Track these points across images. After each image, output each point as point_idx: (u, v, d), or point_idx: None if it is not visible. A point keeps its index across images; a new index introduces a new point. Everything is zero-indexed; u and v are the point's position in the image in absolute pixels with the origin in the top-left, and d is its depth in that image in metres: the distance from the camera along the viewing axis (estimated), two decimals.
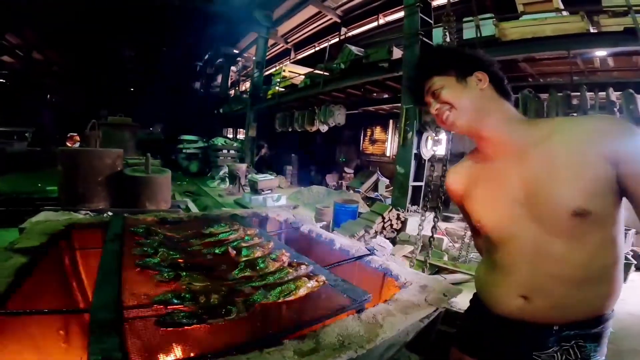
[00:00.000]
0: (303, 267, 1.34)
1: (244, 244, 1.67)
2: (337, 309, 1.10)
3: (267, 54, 15.81)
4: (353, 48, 8.81)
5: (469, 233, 5.11)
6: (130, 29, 15.74)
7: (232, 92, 21.27)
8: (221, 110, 18.92)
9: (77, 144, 7.08)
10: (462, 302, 1.46)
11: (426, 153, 6.97)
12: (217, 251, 1.60)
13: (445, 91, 1.00)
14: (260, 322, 1.01)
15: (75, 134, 7.33)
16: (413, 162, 6.88)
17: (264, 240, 1.75)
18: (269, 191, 9.70)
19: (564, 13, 5.19)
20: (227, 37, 17.20)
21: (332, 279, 1.31)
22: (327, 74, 9.57)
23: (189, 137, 15.58)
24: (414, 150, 6.79)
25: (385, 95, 10.28)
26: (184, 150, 15.07)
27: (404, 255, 5.25)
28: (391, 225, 6.58)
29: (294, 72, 12.58)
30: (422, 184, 7.10)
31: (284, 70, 12.80)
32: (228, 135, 20.55)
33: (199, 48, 19.94)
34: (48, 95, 21.08)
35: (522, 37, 5.19)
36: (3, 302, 1.06)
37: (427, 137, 6.95)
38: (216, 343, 0.87)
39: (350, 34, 13.82)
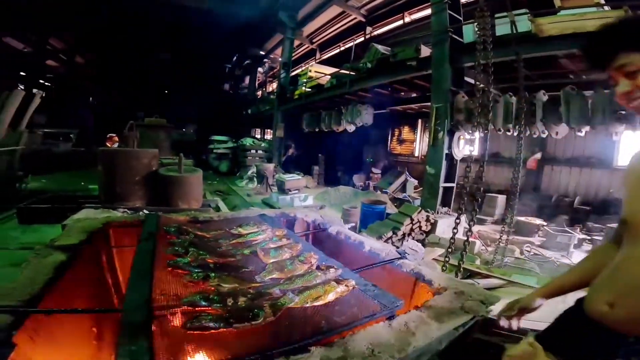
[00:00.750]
0: (332, 270, 1.30)
1: (272, 245, 1.66)
2: (367, 316, 1.05)
3: (293, 54, 15.92)
4: (379, 47, 8.64)
5: (504, 236, 4.86)
6: (163, 33, 16.42)
7: (259, 93, 21.63)
8: (249, 111, 19.30)
9: (116, 145, 7.46)
10: (498, 308, 1.37)
11: (458, 153, 6.71)
12: (245, 252, 1.60)
13: None
14: (288, 327, 0.98)
15: (114, 135, 7.74)
16: (444, 163, 6.63)
17: (292, 242, 1.73)
18: (296, 191, 9.74)
19: (606, 8, 4.87)
20: (253, 39, 17.53)
21: (362, 283, 1.26)
22: (354, 73, 9.46)
23: (219, 137, 16.02)
24: (445, 151, 6.54)
25: (414, 94, 10.04)
26: (214, 151, 15.51)
27: (433, 259, 5.08)
28: (420, 227, 6.39)
29: (320, 72, 12.55)
30: (454, 185, 6.84)
31: (310, 71, 12.81)
32: (256, 136, 20.92)
33: (227, 50, 20.43)
34: (90, 98, 22.43)
35: (561, 32, 4.91)
36: (39, 300, 1.10)
37: (459, 137, 6.68)
38: (242, 348, 0.85)
39: (375, 32, 13.65)
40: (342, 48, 15.43)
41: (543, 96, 5.57)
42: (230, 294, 1.07)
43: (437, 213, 6.75)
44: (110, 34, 16.84)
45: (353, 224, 6.75)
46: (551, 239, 6.30)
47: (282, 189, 9.84)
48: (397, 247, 2.35)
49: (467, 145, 6.86)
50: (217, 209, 6.36)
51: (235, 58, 22.15)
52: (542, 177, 9.40)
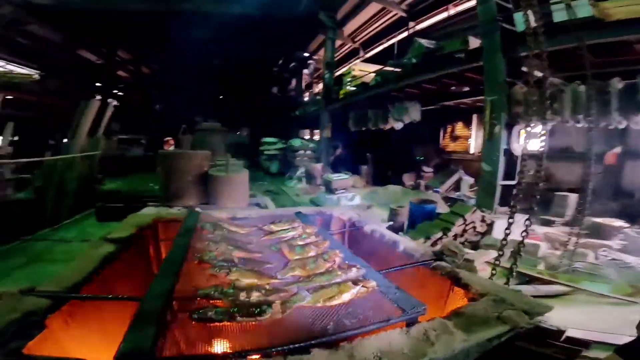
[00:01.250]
0: (354, 269, 1.24)
1: (300, 242, 1.64)
2: (382, 320, 0.98)
3: (336, 54, 15.94)
4: (423, 41, 8.31)
5: (573, 239, 4.32)
6: (215, 40, 17.44)
7: (306, 94, 21.98)
8: (297, 113, 19.71)
9: (172, 147, 8.10)
10: (558, 317, 1.19)
11: (518, 148, 6.14)
12: (273, 248, 1.60)
13: None
14: (294, 326, 0.95)
15: (170, 138, 8.43)
16: (502, 159, 6.13)
17: (320, 239, 1.70)
18: (343, 190, 9.71)
19: None
20: (297, 41, 17.87)
21: (384, 284, 1.18)
22: (399, 70, 9.18)
23: (269, 139, 16.58)
24: (503, 146, 6.04)
25: (466, 88, 9.42)
26: (265, 152, 16.08)
27: (486, 262, 4.70)
28: (474, 228, 5.96)
29: (364, 70, 12.42)
30: (514, 182, 6.27)
31: (354, 70, 12.73)
32: (305, 137, 21.29)
33: (273, 54, 21.07)
34: (157, 106, 24.72)
35: (630, 16, 4.27)
36: (81, 286, 1.21)
37: (519, 131, 6.12)
38: (241, 342, 0.84)
39: (418, 27, 13.13)
40: (386, 45, 15.08)
41: (618, 84, 4.88)
42: (246, 288, 1.07)
43: (495, 213, 6.25)
44: (167, 46, 18.37)
45: (400, 224, 6.52)
46: (634, 243, 5.48)
47: (329, 189, 9.88)
48: (437, 248, 2.19)
49: (528, 139, 6.30)
50: (265, 207, 6.58)
51: (281, 61, 22.79)
52: (623, 174, 8.20)
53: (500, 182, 6.27)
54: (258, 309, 0.93)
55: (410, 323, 1.02)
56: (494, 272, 2.51)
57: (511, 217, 2.65)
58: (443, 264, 1.53)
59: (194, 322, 0.90)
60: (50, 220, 7.79)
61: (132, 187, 11.87)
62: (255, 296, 1.03)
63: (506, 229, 2.59)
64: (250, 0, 12.89)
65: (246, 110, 23.14)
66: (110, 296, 1.11)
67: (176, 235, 1.77)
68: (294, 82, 23.25)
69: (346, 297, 1.07)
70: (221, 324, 0.89)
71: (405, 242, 1.78)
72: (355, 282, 1.13)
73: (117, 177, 14.21)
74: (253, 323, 0.92)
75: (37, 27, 13.72)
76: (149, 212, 2.97)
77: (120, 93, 22.86)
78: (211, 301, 0.99)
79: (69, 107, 12.27)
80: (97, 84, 19.84)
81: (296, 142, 15.51)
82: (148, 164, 15.17)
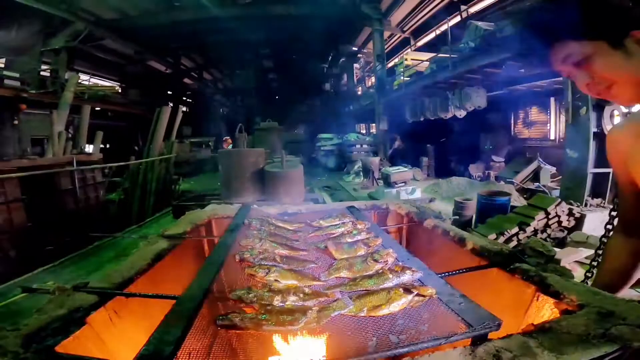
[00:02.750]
0: (408, 272, 1.05)
1: (348, 239, 1.49)
2: (440, 336, 0.78)
3: (386, 46, 15.62)
4: (480, 23, 7.82)
5: None
6: (265, 42, 18.02)
7: (359, 88, 21.72)
8: (351, 107, 19.54)
9: (230, 146, 8.52)
10: None
11: None
12: (320, 245, 1.48)
13: (599, 63, 0.77)
14: (328, 340, 0.80)
15: (228, 137, 8.90)
16: (592, 144, 5.35)
17: (372, 236, 1.53)
18: (403, 184, 9.29)
19: None
20: (343, 36, 17.71)
21: (446, 292, 0.97)
22: (455, 56, 8.57)
23: (325, 135, 16.66)
24: (593, 129, 5.25)
25: (538, 70, 8.35)
26: (321, 148, 16.22)
27: (576, 261, 4.05)
28: (559, 222, 5.23)
29: (417, 59, 11.88)
30: (610, 170, 5.41)
31: (406, 59, 12.23)
32: (361, 131, 21.02)
33: (321, 51, 21.12)
34: (221, 109, 26.52)
35: None
36: (130, 283, 1.21)
37: (612, 111, 5.25)
38: (264, 353, 0.72)
39: (472, 10, 12.02)
40: (438, 32, 14.26)
41: None
42: (283, 291, 0.96)
43: (585, 205, 5.44)
44: (224, 52, 19.49)
45: (467, 218, 5.98)
46: None
47: (388, 182, 9.54)
48: (519, 246, 1.86)
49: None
50: (323, 203, 6.55)
51: (330, 58, 22.79)
52: None
53: (591, 169, 5.46)
54: (290, 317, 0.81)
55: (477, 341, 0.81)
56: (588, 274, 2.07)
57: (614, 208, 2.16)
58: (525, 266, 1.25)
59: (218, 327, 0.81)
60: (137, 218, 8.77)
61: (202, 186, 12.89)
62: (291, 301, 0.91)
63: (607, 223, 2.12)
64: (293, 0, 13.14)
65: (301, 109, 23.65)
66: (152, 294, 1.09)
67: (225, 232, 1.74)
68: (345, 77, 23.18)
69: (396, 306, 0.89)
70: (244, 331, 0.79)
71: (474, 240, 1.52)
72: (408, 289, 0.94)
73: (190, 177, 15.57)
74: (282, 332, 0.80)
75: (111, 41, 15.56)
76: (208, 209, 3.07)
77: (188, 100, 24.99)
78: (242, 305, 0.90)
79: (147, 114, 13.76)
80: (168, 92, 21.90)
81: (352, 137, 15.36)
82: (216, 164, 16.36)
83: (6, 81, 10.60)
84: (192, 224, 2.16)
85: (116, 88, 18.47)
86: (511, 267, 1.28)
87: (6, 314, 3.46)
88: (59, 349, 0.80)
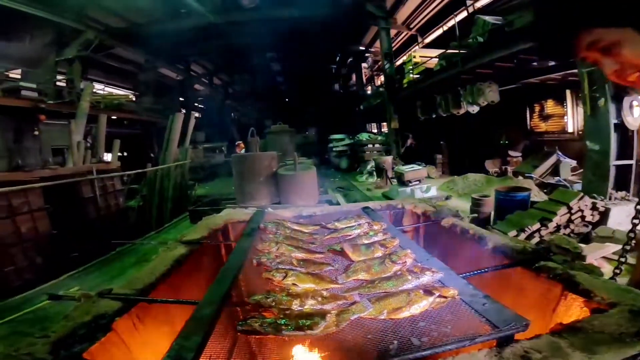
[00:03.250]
0: (427, 273, 1.03)
1: (365, 241, 1.48)
2: (464, 338, 0.75)
3: (394, 43, 15.49)
4: (487, 18, 7.75)
5: None
6: (272, 45, 18.13)
7: (368, 88, 21.59)
8: (361, 107, 19.43)
9: (243, 150, 8.59)
10: None
11: (633, 122, 5.09)
12: (336, 247, 1.47)
13: (628, 50, 0.74)
14: (348, 343, 0.78)
15: (241, 142, 8.96)
16: (613, 135, 5.20)
17: (389, 237, 1.51)
18: (417, 182, 9.18)
19: None
20: (349, 36, 17.62)
21: (468, 292, 0.94)
22: (464, 51, 8.42)
23: (337, 136, 16.63)
24: (613, 120, 5.10)
25: (551, 63, 8.16)
26: (333, 149, 16.19)
27: (603, 257, 3.91)
28: (582, 217, 5.06)
29: (426, 56, 11.74)
30: (632, 162, 5.23)
31: (415, 57, 12.08)
32: (372, 130, 20.90)
33: (328, 52, 21.09)
34: (232, 114, 26.82)
35: None
36: (153, 288, 1.23)
37: (632, 102, 5.09)
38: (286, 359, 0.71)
39: (478, 4, 11.80)
40: (445, 28, 14.06)
41: None
42: (301, 295, 0.95)
43: (610, 199, 5.26)
44: (233, 57, 19.70)
45: (485, 215, 5.84)
46: None
47: (402, 181, 9.45)
48: (540, 244, 1.81)
49: None
50: (337, 204, 6.53)
51: (338, 58, 22.73)
52: None
53: (614, 162, 5.28)
54: (309, 321, 0.80)
55: (503, 342, 0.78)
56: (617, 270, 1.98)
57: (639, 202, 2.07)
58: (551, 264, 1.20)
59: (238, 333, 0.81)
60: (155, 223, 8.95)
61: (217, 191, 13.05)
62: (309, 304, 0.90)
63: (634, 217, 2.04)
64: (297, 2, 13.17)
65: (312, 110, 23.70)
66: (173, 299, 1.11)
67: (241, 236, 1.76)
68: (354, 77, 23.11)
69: (417, 308, 0.87)
70: (264, 337, 0.79)
71: (495, 238, 1.47)
72: (429, 290, 0.92)
73: (205, 182, 15.80)
74: (301, 337, 0.79)
75: (121, 49, 15.92)
76: (224, 214, 3.11)
77: (200, 105, 25.36)
78: (261, 309, 0.90)
79: (161, 121, 14.02)
80: (180, 99, 22.27)
81: (363, 137, 15.28)
82: (229, 169, 16.59)
83: (23, 92, 10.89)
84: (209, 229, 2.19)
85: (130, 96, 18.88)
86: (536, 265, 1.24)
87: (34, 320, 3.57)
88: (86, 355, 0.82)
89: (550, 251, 1.36)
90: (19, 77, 12.54)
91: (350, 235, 1.62)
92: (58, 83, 13.34)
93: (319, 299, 0.93)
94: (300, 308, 0.89)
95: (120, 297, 1.09)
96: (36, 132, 11.94)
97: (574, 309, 1.11)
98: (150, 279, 1.30)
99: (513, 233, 4.67)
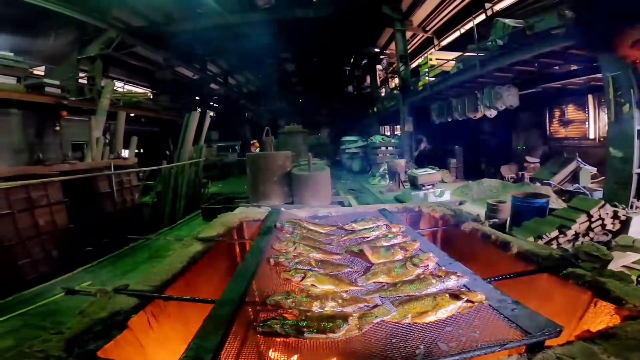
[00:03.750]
0: (453, 278, 0.99)
1: (384, 243, 1.45)
2: (493, 343, 0.71)
3: (409, 46, 15.38)
4: (507, 21, 7.58)
5: None
6: (288, 46, 18.19)
7: (382, 90, 21.46)
8: (375, 109, 19.32)
9: (257, 150, 8.64)
10: None
11: None
12: (354, 249, 1.44)
13: None
14: (371, 348, 0.75)
15: (255, 141, 9.02)
16: (637, 142, 5.05)
17: (409, 240, 1.47)
18: (431, 186, 9.04)
19: None
20: (364, 38, 17.55)
21: (496, 297, 0.90)
22: (482, 54, 8.28)
23: (350, 138, 16.57)
24: (637, 127, 4.97)
25: (573, 67, 7.96)
26: (346, 151, 16.13)
27: (624, 266, 3.78)
28: (603, 225, 4.91)
29: (442, 59, 11.57)
30: None
31: (431, 59, 11.92)
32: (386, 133, 20.76)
33: (343, 53, 21.03)
34: (246, 114, 27.04)
35: None
36: (168, 285, 1.23)
37: None
38: None
39: (497, 7, 11.57)
40: (462, 31, 13.90)
41: None
42: (321, 296, 0.93)
43: (631, 208, 5.10)
44: (248, 57, 19.85)
45: (500, 222, 5.71)
46: None
47: (414, 185, 9.33)
48: (564, 250, 1.74)
49: None
50: (349, 206, 6.49)
51: (352, 60, 22.66)
52: None
53: (637, 170, 5.13)
54: (331, 324, 0.77)
55: (534, 349, 0.74)
56: None
57: None
58: (579, 270, 1.15)
59: (257, 335, 0.79)
60: (168, 220, 9.08)
61: (230, 189, 13.17)
62: (330, 306, 0.88)
63: None
64: (312, 2, 13.18)
65: (325, 111, 23.70)
66: (189, 297, 1.10)
67: (258, 235, 1.75)
68: (368, 79, 23.01)
69: (443, 313, 0.83)
70: (285, 339, 0.77)
71: (519, 244, 1.42)
72: (456, 294, 0.88)
73: (218, 180, 15.96)
74: (323, 340, 0.77)
75: (142, 48, 16.25)
76: (238, 212, 3.11)
77: (215, 105, 25.65)
78: (280, 310, 0.88)
79: (177, 120, 14.22)
80: (196, 98, 22.56)
81: (376, 139, 15.17)
82: (242, 168, 16.72)
83: (47, 89, 11.20)
84: (224, 227, 2.19)
85: (148, 94, 19.23)
86: (564, 272, 1.19)
87: (46, 313, 3.59)
88: (100, 353, 0.81)
89: (577, 258, 1.30)
90: (42, 74, 12.89)
91: (368, 237, 1.59)
92: (80, 80, 13.70)
93: (339, 301, 0.91)
94: (320, 310, 0.87)
95: (136, 294, 1.09)
96: (57, 128, 12.24)
97: (603, 316, 1.07)
98: (167, 276, 1.29)
99: (530, 240, 4.55)
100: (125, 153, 10.85)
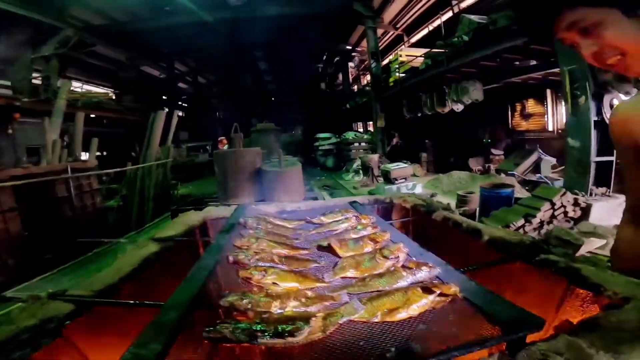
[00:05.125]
0: (424, 269, 0.92)
1: (353, 235, 1.37)
2: (472, 342, 0.65)
3: (380, 43, 15.61)
4: (472, 17, 7.91)
5: None
6: (259, 44, 17.93)
7: (354, 87, 21.69)
8: (348, 106, 19.45)
9: (226, 147, 8.43)
10: None
11: None
12: (323, 243, 1.35)
13: (610, 31, 0.73)
14: (337, 351, 0.66)
15: (224, 138, 8.84)
16: (593, 133, 5.36)
17: (379, 231, 1.40)
18: (403, 180, 9.19)
19: None
20: (336, 35, 17.72)
21: (471, 289, 0.84)
22: (449, 50, 8.54)
23: (323, 135, 16.54)
24: (593, 117, 5.25)
25: (533, 62, 8.37)
26: (319, 148, 16.09)
27: (588, 252, 3.96)
28: (565, 213, 5.14)
29: (412, 55, 11.87)
30: (612, 158, 5.38)
31: (401, 56, 12.19)
32: (359, 129, 20.93)
33: (315, 51, 21.08)
34: (217, 113, 26.38)
35: None
36: (115, 290, 1.09)
37: (612, 99, 5.25)
38: None
39: (463, 4, 12.04)
40: (431, 28, 14.45)
41: None
42: (282, 295, 0.83)
43: (591, 195, 5.39)
44: (218, 55, 19.38)
45: (470, 212, 5.87)
46: None
47: (388, 179, 9.45)
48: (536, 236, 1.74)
49: None
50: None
51: (324, 57, 22.73)
52: None
53: (595, 158, 5.42)
54: (290, 326, 0.68)
55: (515, 345, 0.68)
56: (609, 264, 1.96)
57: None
58: (553, 257, 1.12)
59: (204, 341, 0.68)
60: (136, 224, 8.64)
61: (201, 190, 12.76)
62: (291, 306, 0.78)
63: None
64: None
65: (298, 109, 23.61)
66: (133, 302, 0.97)
67: (219, 233, 1.62)
68: (340, 76, 23.17)
69: (415, 308, 0.75)
70: (237, 345, 0.66)
71: (490, 231, 1.39)
72: (428, 288, 0.81)
73: (188, 182, 15.41)
74: (281, 346, 0.67)
75: (102, 47, 15.43)
76: (203, 211, 2.94)
77: (183, 104, 24.81)
78: (235, 313, 0.77)
79: (143, 120, 13.60)
80: (163, 97, 21.71)
81: (349, 135, 15.25)
82: (213, 168, 16.26)
83: None
84: (185, 226, 2.04)
85: (110, 94, 18.30)
86: (536, 258, 1.16)
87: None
88: None
89: (549, 243, 1.28)
90: None
91: (337, 230, 1.51)
92: (34, 81, 12.80)
93: (303, 300, 0.81)
94: (280, 311, 0.77)
95: (74, 299, 0.95)
96: (10, 131, 11.42)
97: (581, 305, 1.04)
98: (112, 280, 1.15)
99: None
100: (85, 156, 10.23)
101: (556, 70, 6.82)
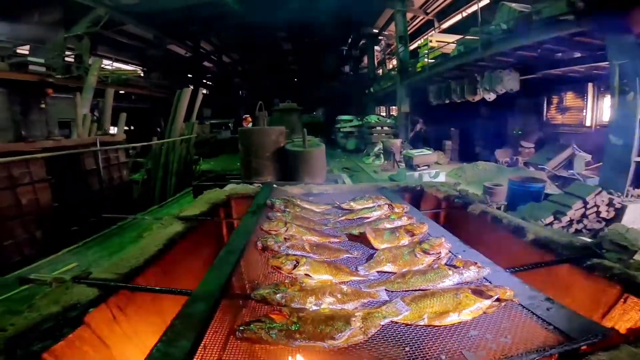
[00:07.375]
0: (473, 268, 0.84)
1: (387, 225, 1.29)
2: (530, 351, 0.57)
3: (409, 28, 15.02)
4: (513, 5, 7.31)
5: None
6: (285, 24, 17.61)
7: (379, 71, 21.14)
8: (372, 90, 19.02)
9: (250, 124, 8.45)
10: None
11: None
12: (354, 231, 1.28)
13: None
14: (381, 357, 0.59)
15: (248, 116, 8.85)
16: (638, 131, 4.97)
17: (415, 222, 1.31)
18: (426, 167, 8.96)
19: None
20: (363, 18, 17.11)
21: (525, 293, 0.75)
22: (485, 38, 8.13)
23: (345, 117, 16.29)
24: None
25: (577, 54, 7.79)
26: (341, 130, 15.89)
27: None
28: (597, 212, 4.87)
29: (443, 41, 11.27)
30: None
31: (431, 41, 11.63)
32: (381, 113, 20.51)
33: (341, 33, 20.54)
34: (240, 92, 26.46)
35: None
36: (139, 273, 1.06)
37: None
38: None
39: None
40: (465, 14, 13.52)
41: None
42: (316, 290, 0.77)
43: (627, 196, 5.09)
44: (243, 35, 19.22)
45: (497, 206, 5.65)
46: None
47: (410, 165, 9.24)
48: (585, 239, 1.61)
49: None
50: (343, 184, 6.34)
51: (350, 40, 22.17)
52: None
53: (636, 158, 5.11)
54: (329, 328, 0.61)
55: (572, 356, 0.60)
56: None
57: None
58: (607, 262, 1.02)
59: (237, 340, 0.63)
60: (159, 198, 8.88)
61: (222, 166, 12.98)
62: (327, 303, 0.72)
63: None
64: None
65: (321, 91, 23.36)
66: (159, 288, 0.94)
67: (245, 214, 1.57)
68: (365, 59, 22.62)
69: (467, 313, 0.67)
70: (273, 346, 0.60)
71: (535, 229, 1.28)
72: (480, 291, 0.73)
73: (210, 157, 15.68)
74: (319, 349, 0.60)
75: (131, 26, 15.67)
76: (227, 188, 2.93)
77: (208, 82, 25.02)
78: (268, 308, 0.72)
79: (169, 97, 13.82)
80: (189, 75, 21.96)
81: (372, 119, 14.94)
82: (235, 145, 16.45)
83: (31, 67, 10.84)
84: (209, 204, 2.01)
85: (138, 72, 18.68)
86: (589, 263, 1.05)
87: (29, 297, 3.43)
88: (48, 355, 0.65)
89: (602, 247, 1.16)
90: (27, 52, 12.53)
91: (368, 218, 1.43)
92: (67, 59, 13.30)
93: (339, 295, 0.74)
94: (316, 307, 0.71)
95: (98, 283, 0.92)
96: (43, 105, 11.92)
97: (632, 314, 0.94)
98: (137, 262, 1.12)
99: None
100: (114, 130, 10.51)
101: (603, 64, 6.38)
